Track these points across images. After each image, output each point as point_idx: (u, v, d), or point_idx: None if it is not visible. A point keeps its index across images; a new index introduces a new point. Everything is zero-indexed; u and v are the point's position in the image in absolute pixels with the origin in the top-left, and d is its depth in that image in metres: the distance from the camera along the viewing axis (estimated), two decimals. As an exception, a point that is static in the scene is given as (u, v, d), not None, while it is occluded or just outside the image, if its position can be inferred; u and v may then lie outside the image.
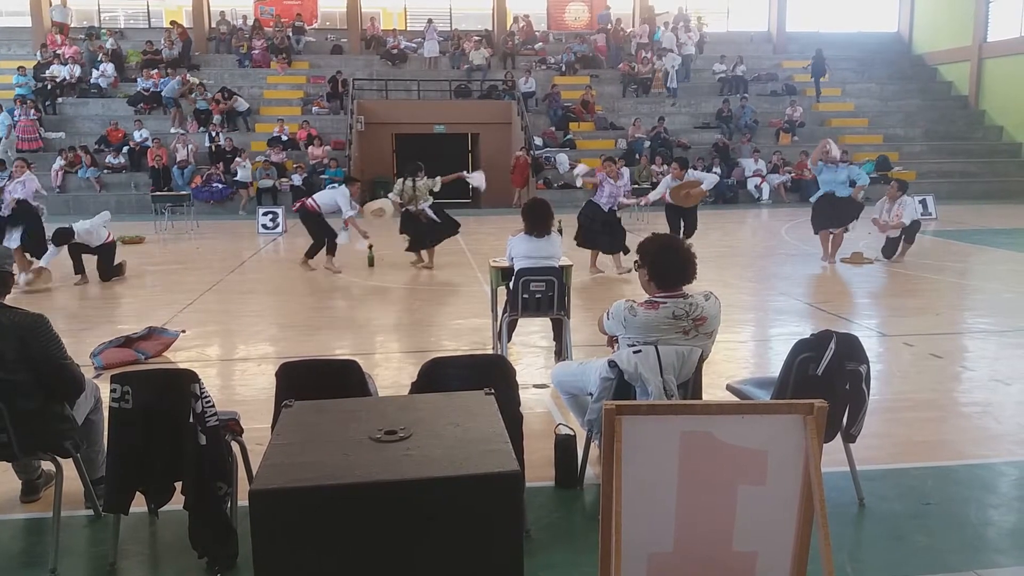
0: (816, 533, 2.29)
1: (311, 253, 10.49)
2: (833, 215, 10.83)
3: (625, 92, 24.06)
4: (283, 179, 19.32)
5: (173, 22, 24.28)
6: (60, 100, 21.66)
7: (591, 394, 3.80)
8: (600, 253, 10.15)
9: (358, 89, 22.70)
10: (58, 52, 22.62)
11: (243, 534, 3.12)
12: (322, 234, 10.44)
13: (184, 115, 21.33)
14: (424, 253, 10.78)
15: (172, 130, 20.69)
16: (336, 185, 10.26)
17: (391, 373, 5.89)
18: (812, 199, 11.28)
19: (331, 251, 10.40)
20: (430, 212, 10.62)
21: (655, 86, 24.03)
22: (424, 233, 10.68)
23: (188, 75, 22.12)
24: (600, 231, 10.06)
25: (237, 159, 19.05)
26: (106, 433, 3.32)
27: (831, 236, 10.92)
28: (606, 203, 10.08)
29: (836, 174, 10.77)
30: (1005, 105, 23.50)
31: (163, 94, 21.66)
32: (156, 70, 22.28)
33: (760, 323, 7.82)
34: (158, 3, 27.54)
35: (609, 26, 25.97)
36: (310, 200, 10.51)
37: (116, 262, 9.92)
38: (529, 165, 20.34)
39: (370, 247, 10.81)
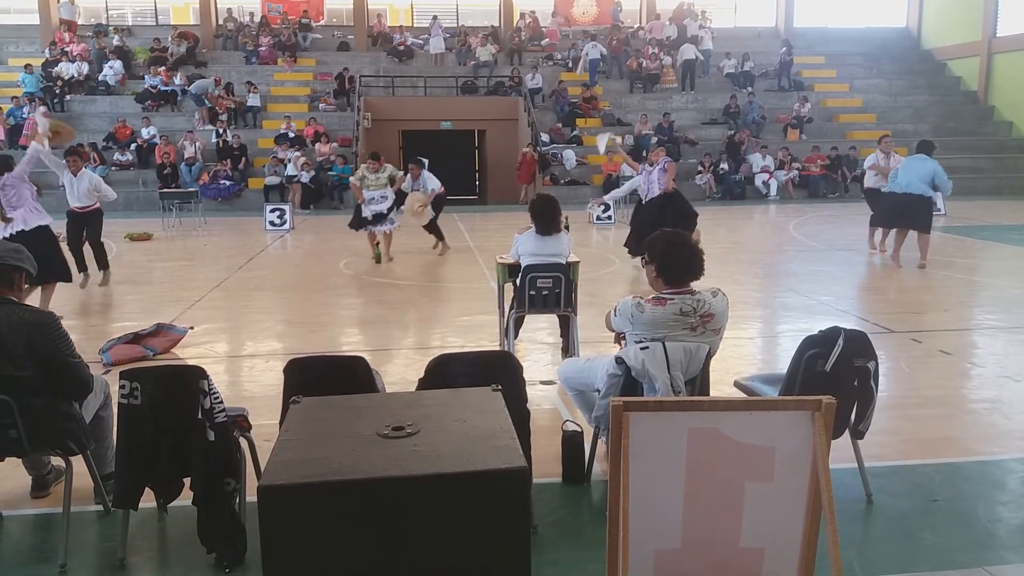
0: (824, 530, 2.29)
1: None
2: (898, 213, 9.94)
3: (632, 88, 24.01)
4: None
5: (177, 28, 24.32)
6: (68, 97, 21.74)
7: (598, 390, 3.81)
8: None
9: (365, 86, 22.72)
10: (66, 49, 22.71)
11: (252, 530, 3.13)
12: None
13: (209, 112, 21.36)
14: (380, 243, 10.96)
15: (199, 128, 20.76)
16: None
17: (398, 369, 5.90)
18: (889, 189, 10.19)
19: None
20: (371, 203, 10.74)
21: (662, 82, 23.97)
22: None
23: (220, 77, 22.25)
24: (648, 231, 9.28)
25: (295, 154, 19.16)
26: (115, 429, 3.34)
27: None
28: (646, 194, 9.83)
29: (922, 166, 9.77)
30: (1014, 100, 23.36)
31: (192, 91, 21.55)
32: (164, 67, 22.35)
33: (768, 319, 7.81)
34: (165, 0, 27.60)
35: (620, 23, 25.94)
36: None
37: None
38: (536, 161, 20.33)
39: (376, 245, 10.87)
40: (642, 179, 9.97)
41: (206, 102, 21.33)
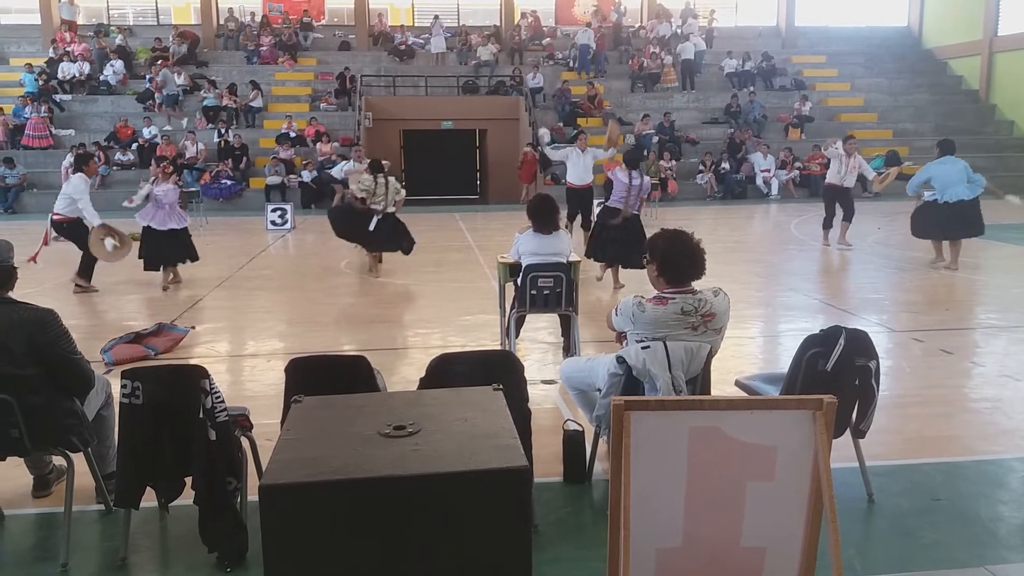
0: (825, 529, 2.29)
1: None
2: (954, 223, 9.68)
3: (633, 87, 24.01)
4: (291, 175, 19.38)
5: (178, 28, 24.31)
6: (69, 97, 21.75)
7: (599, 390, 3.81)
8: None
9: (366, 85, 22.72)
10: (68, 49, 22.72)
11: (253, 529, 3.13)
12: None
13: (211, 112, 21.33)
14: (371, 259, 10.11)
15: (199, 128, 20.83)
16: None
17: (399, 369, 5.90)
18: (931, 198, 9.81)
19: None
20: (375, 219, 9.70)
21: (663, 81, 23.96)
22: (363, 237, 9.95)
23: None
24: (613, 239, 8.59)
25: (352, 152, 19.05)
26: (116, 428, 3.34)
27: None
28: (624, 201, 8.56)
29: (954, 166, 9.67)
30: (1016, 99, 23.34)
31: (205, 104, 21.42)
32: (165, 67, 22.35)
33: (769, 319, 7.80)
34: (166, 0, 27.60)
35: (613, 20, 25.93)
36: None
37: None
38: (537, 161, 20.32)
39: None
40: (624, 183, 8.60)
41: (212, 99, 21.31)
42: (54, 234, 9.32)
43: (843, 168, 11.31)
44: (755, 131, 22.04)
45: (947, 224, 9.75)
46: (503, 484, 2.13)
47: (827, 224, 11.75)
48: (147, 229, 9.26)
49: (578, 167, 10.82)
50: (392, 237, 9.94)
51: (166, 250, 9.34)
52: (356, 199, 9.94)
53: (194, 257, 9.59)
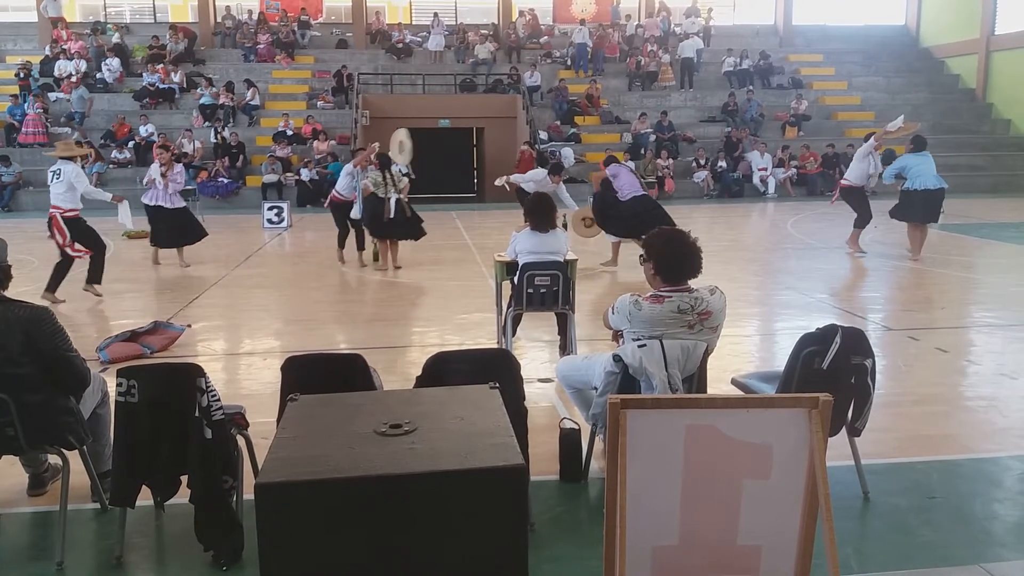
0: (821, 527, 2.29)
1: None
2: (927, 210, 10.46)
3: (631, 86, 24.01)
4: (288, 174, 19.35)
5: (173, 25, 24.25)
6: (66, 95, 21.70)
7: (595, 388, 3.81)
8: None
9: (363, 83, 22.69)
10: (64, 47, 22.66)
11: (249, 527, 3.13)
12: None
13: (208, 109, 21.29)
14: (384, 252, 10.28)
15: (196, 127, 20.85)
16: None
17: (396, 367, 5.90)
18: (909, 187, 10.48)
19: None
20: (392, 205, 9.88)
21: (661, 79, 23.96)
22: (380, 226, 10.08)
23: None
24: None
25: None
26: (112, 427, 3.33)
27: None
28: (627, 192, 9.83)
29: (926, 158, 10.45)
30: (1013, 98, 23.37)
31: (202, 102, 21.42)
32: (162, 65, 22.32)
33: (765, 317, 7.81)
34: (163, -2, 27.60)
35: (621, 21, 25.93)
36: None
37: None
38: (534, 159, 20.30)
39: (374, 243, 10.73)
40: (628, 168, 10.35)
41: (208, 97, 21.26)
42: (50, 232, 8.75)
43: (872, 166, 10.79)
44: (752, 130, 22.04)
45: (915, 209, 10.40)
46: (499, 482, 2.13)
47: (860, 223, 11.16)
48: (158, 209, 10.11)
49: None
50: (406, 225, 10.17)
51: (177, 230, 10.34)
52: (368, 191, 10.29)
53: (202, 233, 10.58)
